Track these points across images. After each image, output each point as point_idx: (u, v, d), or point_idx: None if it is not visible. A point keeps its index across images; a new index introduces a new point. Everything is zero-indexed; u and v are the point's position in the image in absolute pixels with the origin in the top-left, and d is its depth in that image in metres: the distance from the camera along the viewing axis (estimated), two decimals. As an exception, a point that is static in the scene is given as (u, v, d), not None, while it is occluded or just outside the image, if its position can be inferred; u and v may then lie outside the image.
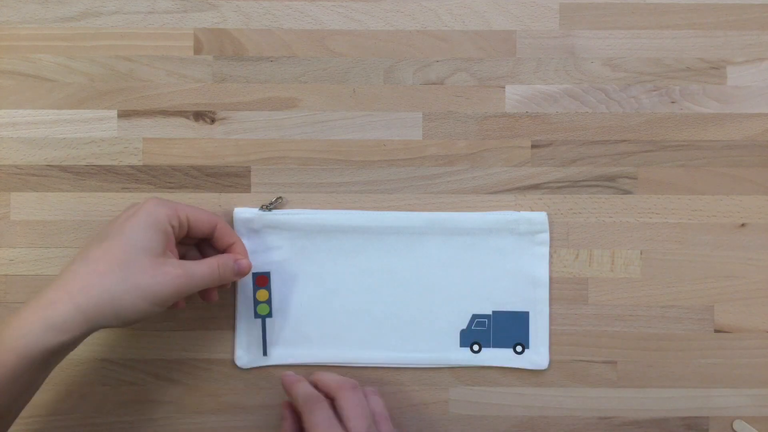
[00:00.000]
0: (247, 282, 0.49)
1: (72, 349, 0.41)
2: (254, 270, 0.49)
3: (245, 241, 0.49)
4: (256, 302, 0.50)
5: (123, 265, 0.41)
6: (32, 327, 0.38)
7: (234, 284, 0.50)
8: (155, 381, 0.50)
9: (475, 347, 0.50)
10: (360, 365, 0.50)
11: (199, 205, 0.50)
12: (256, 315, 0.50)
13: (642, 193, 0.51)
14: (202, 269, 0.44)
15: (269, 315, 0.50)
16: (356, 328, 0.50)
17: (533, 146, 0.51)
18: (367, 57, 0.51)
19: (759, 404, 0.50)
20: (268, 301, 0.50)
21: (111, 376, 0.50)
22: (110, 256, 0.41)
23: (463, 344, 0.50)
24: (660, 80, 0.51)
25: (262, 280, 0.50)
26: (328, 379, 0.46)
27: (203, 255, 0.48)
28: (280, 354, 0.50)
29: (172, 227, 0.44)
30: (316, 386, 0.46)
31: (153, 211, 0.43)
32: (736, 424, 0.49)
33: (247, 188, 0.51)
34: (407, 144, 0.51)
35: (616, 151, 0.51)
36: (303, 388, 0.45)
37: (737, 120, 0.51)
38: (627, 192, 0.51)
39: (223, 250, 0.47)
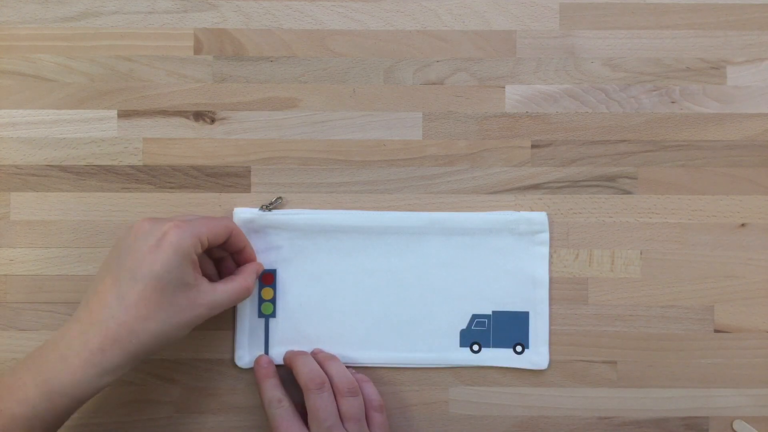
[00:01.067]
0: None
1: None
2: None
3: (245, 241, 0.50)
4: (261, 300, 0.50)
5: (164, 307, 0.42)
6: (87, 375, 0.40)
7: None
8: (155, 381, 0.50)
9: (475, 347, 0.50)
10: (360, 365, 0.50)
11: (199, 205, 0.50)
12: (260, 314, 0.50)
13: (642, 193, 0.51)
14: (234, 288, 0.45)
15: (273, 315, 0.50)
16: (356, 328, 0.50)
17: (533, 146, 0.51)
18: (367, 57, 0.51)
19: (759, 404, 0.50)
20: (273, 300, 0.50)
21: (111, 376, 0.50)
22: (150, 300, 0.41)
23: (463, 344, 0.50)
24: (660, 80, 0.51)
25: (268, 277, 0.50)
26: (300, 373, 0.47)
27: (210, 255, 0.48)
28: (280, 354, 0.50)
29: (197, 254, 0.44)
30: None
31: (178, 244, 0.42)
32: (736, 424, 0.49)
33: (247, 188, 0.51)
34: (407, 144, 0.51)
35: (616, 151, 0.51)
36: (269, 388, 0.47)
37: (737, 120, 0.51)
38: (627, 192, 0.51)
39: (233, 252, 0.48)
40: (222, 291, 0.45)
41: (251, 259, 0.49)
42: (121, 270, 0.42)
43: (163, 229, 0.42)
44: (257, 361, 0.49)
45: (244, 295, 0.46)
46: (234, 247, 0.47)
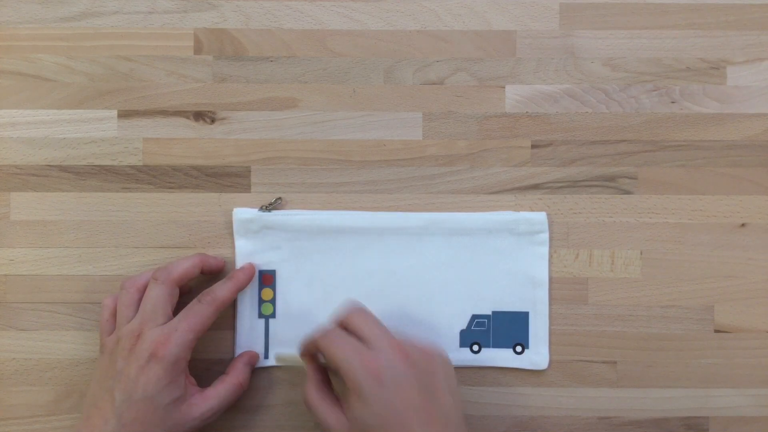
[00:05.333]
0: (250, 282, 0.50)
1: None
2: (260, 268, 0.49)
3: (245, 242, 0.50)
4: (261, 301, 0.50)
5: (159, 424, 0.43)
6: None
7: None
8: (155, 381, 0.50)
9: (475, 347, 0.50)
10: (360, 365, 0.50)
11: (199, 205, 0.50)
12: (260, 315, 0.50)
13: (642, 193, 0.51)
14: (226, 390, 0.47)
15: (273, 315, 0.50)
16: (356, 328, 0.50)
17: (533, 146, 0.51)
18: (367, 57, 0.51)
19: (759, 404, 0.50)
20: (273, 301, 0.50)
21: (111, 376, 0.50)
22: (145, 420, 0.43)
23: (462, 344, 0.50)
24: (660, 80, 0.51)
25: (268, 278, 0.50)
26: (322, 329, 0.45)
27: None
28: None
29: (188, 359, 0.45)
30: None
31: (168, 360, 0.43)
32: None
33: (247, 188, 0.51)
34: (407, 144, 0.51)
35: (616, 151, 0.51)
36: (318, 331, 0.45)
37: (737, 120, 0.51)
38: (627, 192, 0.51)
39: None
40: (214, 397, 0.46)
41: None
42: (116, 390, 0.43)
43: (150, 348, 0.43)
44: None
45: (238, 394, 0.47)
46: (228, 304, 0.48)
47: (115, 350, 0.45)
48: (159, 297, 0.45)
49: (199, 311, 0.45)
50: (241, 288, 0.48)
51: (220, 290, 0.47)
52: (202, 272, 0.48)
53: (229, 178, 0.51)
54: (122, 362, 0.44)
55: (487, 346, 0.50)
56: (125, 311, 0.46)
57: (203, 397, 0.46)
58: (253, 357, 0.49)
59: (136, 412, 0.43)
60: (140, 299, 0.46)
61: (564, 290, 0.50)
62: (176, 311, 0.46)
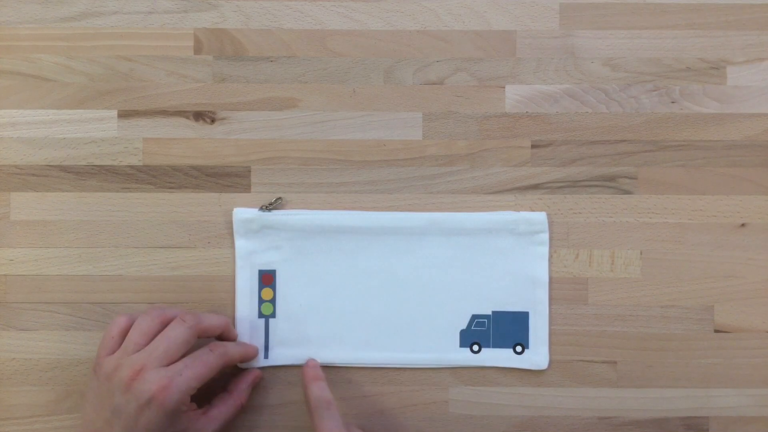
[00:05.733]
0: (250, 282, 0.50)
1: None
2: (260, 268, 0.49)
3: (245, 242, 0.50)
4: (261, 301, 0.50)
5: None
6: None
7: (233, 285, 0.50)
8: (155, 381, 0.50)
9: (475, 347, 0.50)
10: (360, 365, 0.50)
11: (199, 205, 0.50)
12: (260, 315, 0.50)
13: (642, 193, 0.51)
14: (229, 412, 0.47)
15: (272, 315, 0.50)
16: (356, 329, 0.50)
17: (533, 146, 0.51)
18: (367, 57, 0.51)
19: (759, 404, 0.50)
20: (272, 301, 0.50)
21: (111, 376, 0.50)
22: None
23: (462, 344, 0.50)
24: (660, 80, 0.51)
25: (268, 278, 0.50)
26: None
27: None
28: (280, 354, 0.50)
29: (187, 403, 0.44)
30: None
31: (168, 407, 0.42)
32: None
33: (247, 188, 0.51)
34: (407, 144, 0.51)
35: (616, 151, 0.51)
36: (318, 390, 0.46)
37: (737, 120, 0.51)
38: (627, 192, 0.51)
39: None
40: (217, 418, 0.46)
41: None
42: (116, 426, 0.42)
43: (150, 390, 0.42)
44: (307, 363, 0.49)
45: (238, 413, 0.47)
46: (232, 365, 0.48)
47: (112, 378, 0.43)
48: (178, 340, 0.44)
49: (207, 361, 0.45)
50: (248, 359, 0.49)
51: (233, 347, 0.47)
52: (218, 337, 0.48)
53: (229, 178, 0.51)
54: (120, 397, 0.42)
55: (487, 346, 0.50)
56: (138, 338, 0.44)
57: (207, 418, 0.45)
58: (257, 377, 0.49)
59: None
60: (158, 333, 0.45)
61: (564, 290, 0.50)
62: None
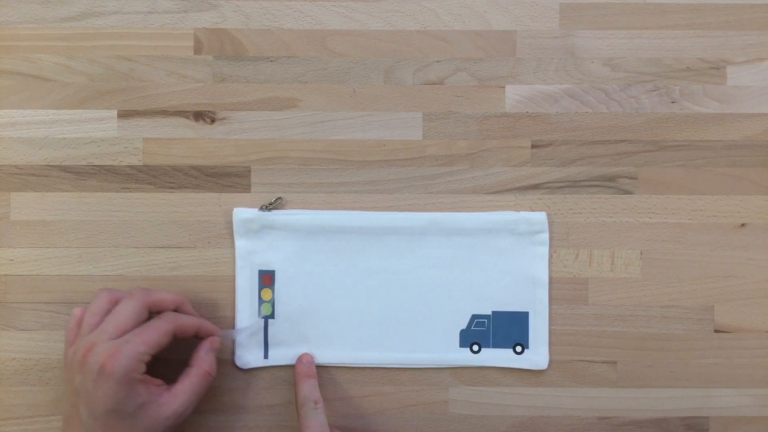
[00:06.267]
0: (250, 282, 0.50)
1: None
2: (259, 268, 0.49)
3: (245, 242, 0.50)
4: (261, 301, 0.50)
5: (142, 431, 0.43)
6: None
7: (233, 285, 0.50)
8: (155, 381, 0.50)
9: (475, 347, 0.50)
10: (360, 365, 0.50)
11: (199, 205, 0.50)
12: (259, 315, 0.50)
13: (642, 193, 0.51)
14: (193, 384, 0.45)
15: (272, 316, 0.50)
16: (356, 329, 0.50)
17: (533, 146, 0.51)
18: (367, 57, 0.51)
19: (759, 404, 0.50)
20: (272, 301, 0.50)
21: (111, 376, 0.50)
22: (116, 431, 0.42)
23: (462, 344, 0.50)
24: (660, 80, 0.51)
25: (268, 278, 0.50)
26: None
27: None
28: (280, 354, 0.50)
29: (142, 372, 0.43)
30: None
31: (118, 373, 0.42)
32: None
33: (247, 188, 0.51)
34: (407, 144, 0.51)
35: (616, 151, 0.51)
36: (308, 388, 0.47)
37: (737, 120, 0.51)
38: (627, 192, 0.51)
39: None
40: (182, 392, 0.44)
41: (209, 332, 0.47)
42: (81, 406, 0.42)
43: (99, 361, 0.42)
44: (300, 358, 0.49)
45: (207, 383, 0.46)
46: (188, 334, 0.46)
47: (72, 363, 0.43)
48: (126, 312, 0.44)
49: (155, 326, 0.44)
50: (205, 330, 0.47)
51: (185, 316, 0.46)
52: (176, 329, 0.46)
53: (229, 178, 0.51)
54: (79, 376, 0.43)
55: (487, 346, 0.50)
56: (90, 319, 0.44)
57: (172, 394, 0.44)
58: (214, 342, 0.47)
59: (105, 426, 0.42)
60: (109, 311, 0.45)
61: (564, 290, 0.50)
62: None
